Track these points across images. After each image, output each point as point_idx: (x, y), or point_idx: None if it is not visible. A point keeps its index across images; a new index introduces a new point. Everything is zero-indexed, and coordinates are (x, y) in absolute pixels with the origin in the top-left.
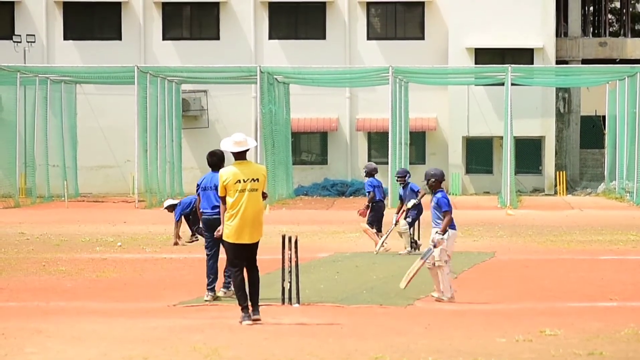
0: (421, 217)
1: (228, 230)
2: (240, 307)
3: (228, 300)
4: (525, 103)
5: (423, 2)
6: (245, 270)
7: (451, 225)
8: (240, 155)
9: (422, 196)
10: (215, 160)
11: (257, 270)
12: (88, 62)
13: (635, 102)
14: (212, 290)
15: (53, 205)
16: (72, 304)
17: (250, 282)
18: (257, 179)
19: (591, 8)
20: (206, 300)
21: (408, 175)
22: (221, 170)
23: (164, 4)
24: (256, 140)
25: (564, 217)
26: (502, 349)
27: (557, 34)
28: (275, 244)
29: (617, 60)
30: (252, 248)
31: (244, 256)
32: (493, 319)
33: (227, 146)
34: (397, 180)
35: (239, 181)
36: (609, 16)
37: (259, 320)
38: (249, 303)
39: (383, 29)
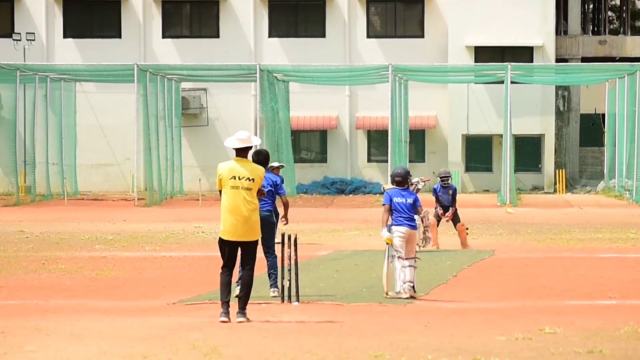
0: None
1: (220, 227)
2: (220, 303)
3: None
4: (525, 101)
5: (423, 0)
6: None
7: (397, 221)
8: (240, 153)
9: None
10: (261, 159)
11: (251, 273)
12: (88, 60)
13: (634, 100)
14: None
15: (53, 204)
16: (72, 302)
17: (241, 284)
18: (253, 179)
19: (591, 6)
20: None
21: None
22: (219, 164)
23: (163, 2)
24: None
25: (564, 215)
26: (502, 347)
27: (557, 32)
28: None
29: (617, 59)
30: (246, 248)
31: (234, 254)
32: (492, 317)
33: (230, 143)
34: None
35: (234, 177)
36: (609, 14)
37: (242, 322)
38: (237, 303)
39: (383, 27)
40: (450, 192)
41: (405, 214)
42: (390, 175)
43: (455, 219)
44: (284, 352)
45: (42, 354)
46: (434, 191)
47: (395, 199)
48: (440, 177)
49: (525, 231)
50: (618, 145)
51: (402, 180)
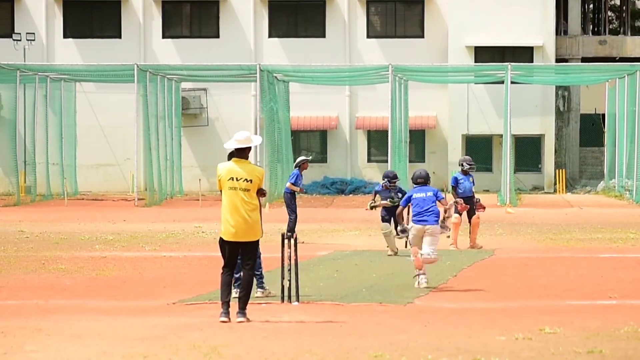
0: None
1: (221, 227)
2: (220, 303)
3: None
4: (525, 101)
5: (423, 0)
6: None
7: (415, 220)
8: (239, 153)
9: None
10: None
11: (252, 273)
12: (88, 60)
13: (634, 100)
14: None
15: (53, 204)
16: (72, 302)
17: (241, 283)
18: (251, 180)
19: (591, 6)
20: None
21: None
22: (219, 165)
23: (163, 2)
24: None
25: (564, 215)
26: (502, 347)
27: (557, 32)
28: (275, 242)
29: (617, 59)
30: (246, 248)
31: (234, 255)
32: (493, 317)
33: (228, 144)
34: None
35: (232, 178)
36: (609, 14)
37: (242, 322)
38: (237, 303)
39: (383, 27)
40: (471, 179)
41: (423, 210)
42: (412, 178)
43: (470, 211)
44: (284, 352)
45: (42, 354)
46: (454, 180)
47: (416, 195)
48: (468, 164)
49: (525, 231)
50: (618, 145)
51: (423, 182)
